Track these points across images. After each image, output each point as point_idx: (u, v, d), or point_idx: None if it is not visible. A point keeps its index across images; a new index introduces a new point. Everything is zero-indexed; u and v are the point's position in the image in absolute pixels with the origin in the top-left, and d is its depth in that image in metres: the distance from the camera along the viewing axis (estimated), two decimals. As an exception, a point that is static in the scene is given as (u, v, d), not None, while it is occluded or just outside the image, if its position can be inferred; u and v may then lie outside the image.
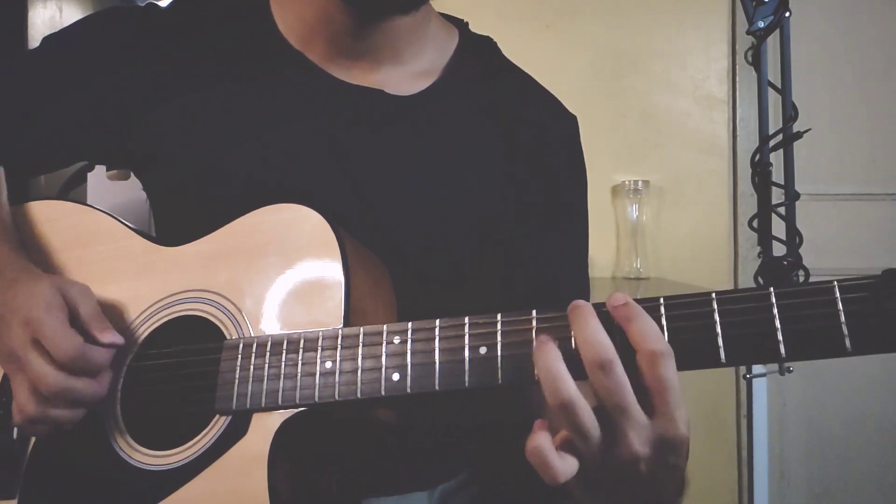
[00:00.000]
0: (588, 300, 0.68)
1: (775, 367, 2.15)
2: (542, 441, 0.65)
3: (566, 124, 1.09)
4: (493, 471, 1.00)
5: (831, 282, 0.62)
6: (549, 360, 0.65)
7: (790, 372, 2.12)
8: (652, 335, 0.64)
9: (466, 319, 0.72)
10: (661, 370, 0.64)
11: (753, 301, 0.64)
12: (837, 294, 0.62)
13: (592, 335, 0.65)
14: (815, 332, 0.62)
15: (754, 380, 2.34)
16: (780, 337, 0.62)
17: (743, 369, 2.41)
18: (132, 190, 1.77)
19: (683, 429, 0.66)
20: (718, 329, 0.64)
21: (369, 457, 0.91)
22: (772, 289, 0.63)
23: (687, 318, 0.65)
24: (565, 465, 0.66)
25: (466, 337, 0.71)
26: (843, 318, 0.61)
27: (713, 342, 0.64)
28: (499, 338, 0.70)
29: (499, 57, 1.10)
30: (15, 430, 0.89)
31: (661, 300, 0.66)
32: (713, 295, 0.65)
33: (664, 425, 0.66)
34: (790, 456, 2.54)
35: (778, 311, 0.63)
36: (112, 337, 0.83)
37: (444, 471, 1.00)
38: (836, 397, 2.53)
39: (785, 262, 2.00)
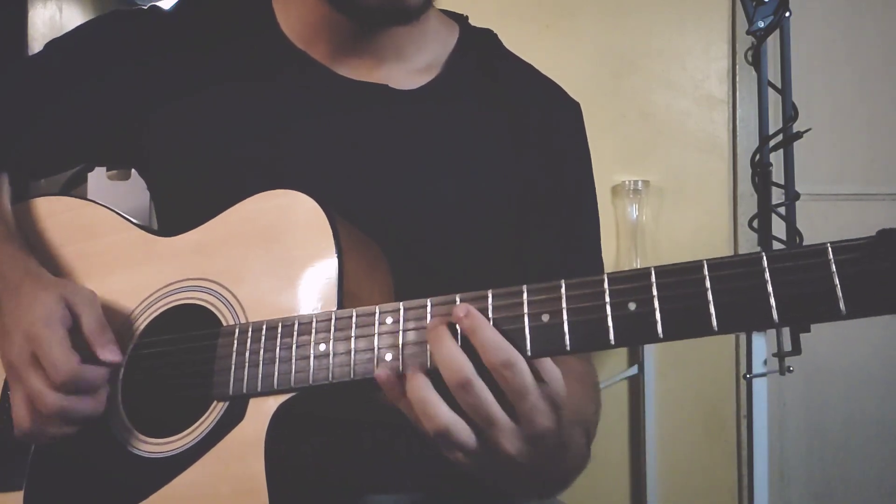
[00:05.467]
0: None
1: (775, 366, 2.15)
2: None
3: (569, 110, 1.10)
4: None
5: (824, 244, 0.61)
6: (421, 393, 0.69)
7: (790, 372, 2.12)
8: (492, 346, 0.67)
9: (457, 297, 0.71)
10: (509, 379, 0.67)
11: (745, 266, 0.63)
12: (831, 256, 0.60)
13: (448, 355, 0.68)
14: (808, 295, 0.60)
15: (754, 380, 2.34)
16: (772, 301, 0.61)
17: (743, 369, 2.41)
18: (132, 190, 1.78)
19: (545, 422, 0.69)
20: (710, 296, 0.63)
21: (368, 451, 0.91)
22: (763, 253, 0.62)
23: (678, 286, 0.65)
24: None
25: None
26: (836, 281, 0.59)
27: (705, 309, 0.63)
28: (490, 314, 0.70)
29: (499, 48, 1.11)
30: None
31: (652, 269, 0.66)
32: (704, 262, 0.65)
33: (526, 426, 0.68)
34: (790, 456, 2.53)
35: (770, 276, 0.62)
36: (112, 355, 0.83)
37: (445, 470, 1.00)
38: (836, 397, 2.53)
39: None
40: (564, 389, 0.70)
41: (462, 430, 0.68)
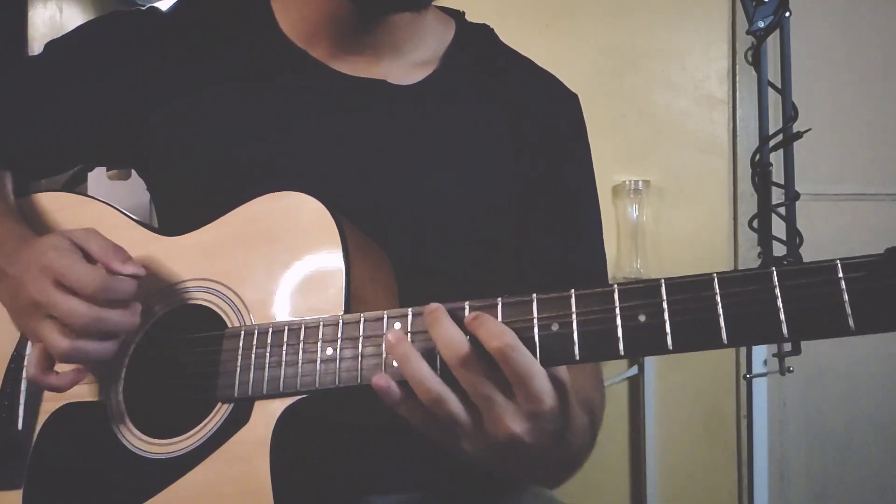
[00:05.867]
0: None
1: (775, 366, 2.15)
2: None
3: (568, 102, 1.10)
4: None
5: (834, 260, 0.61)
6: (410, 361, 0.70)
7: (790, 372, 2.12)
8: (494, 333, 0.68)
9: (466, 304, 0.71)
10: (511, 362, 0.67)
11: (755, 281, 0.63)
12: (840, 273, 0.61)
13: (447, 334, 0.69)
14: (817, 311, 0.61)
15: (754, 380, 2.34)
16: (782, 317, 0.62)
17: (743, 369, 2.41)
18: (132, 190, 1.78)
19: (549, 402, 0.69)
20: (720, 310, 0.64)
21: (373, 451, 0.91)
22: (774, 268, 0.63)
23: (689, 299, 0.65)
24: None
25: None
26: (846, 297, 0.60)
27: (715, 323, 0.64)
28: (499, 321, 0.70)
29: (496, 43, 1.11)
30: (20, 420, 0.89)
31: (663, 281, 0.66)
32: (714, 275, 0.65)
33: (529, 405, 0.69)
34: (790, 456, 2.53)
35: (780, 291, 0.62)
36: (134, 268, 0.82)
37: (449, 471, 1.00)
38: (836, 397, 2.53)
39: (785, 263, 2.00)
40: (566, 370, 0.71)
41: (451, 399, 0.70)
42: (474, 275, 0.96)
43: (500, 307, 0.71)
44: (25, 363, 0.89)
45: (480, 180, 0.99)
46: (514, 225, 1.01)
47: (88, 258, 0.82)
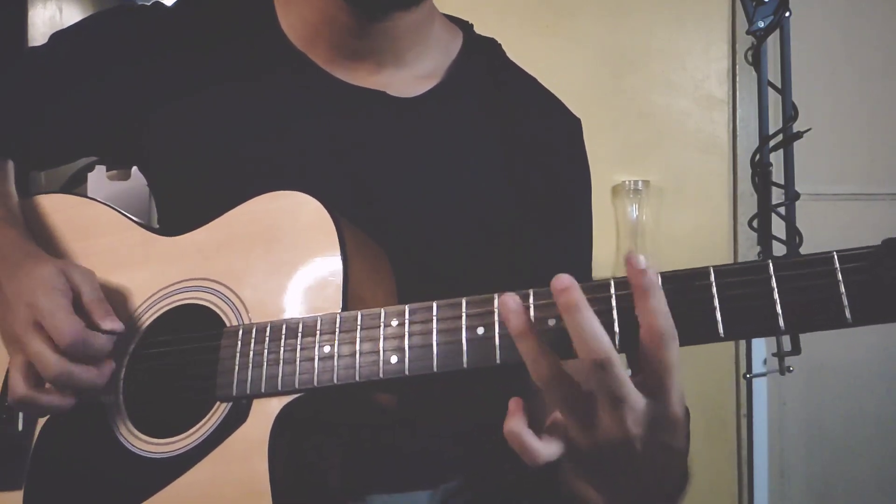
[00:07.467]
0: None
1: (775, 366, 2.15)
2: (516, 424, 0.65)
3: (569, 126, 1.10)
4: (490, 471, 1.00)
5: (830, 252, 0.61)
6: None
7: (790, 371, 2.12)
8: (663, 315, 0.62)
9: (463, 300, 0.71)
10: (666, 353, 0.63)
11: (751, 273, 0.63)
12: (837, 264, 0.61)
13: (591, 329, 0.63)
14: (814, 303, 0.61)
15: (754, 380, 2.34)
16: (778, 309, 0.62)
17: (743, 368, 2.41)
18: (132, 189, 1.78)
19: (679, 408, 0.66)
20: (716, 302, 0.64)
21: (371, 451, 0.91)
22: (770, 261, 0.63)
23: (684, 291, 0.65)
24: (545, 448, 0.66)
25: (464, 318, 0.71)
26: (842, 289, 0.60)
27: (711, 316, 0.64)
28: (496, 318, 0.70)
29: (503, 59, 1.11)
30: (20, 421, 0.90)
31: (658, 275, 0.66)
32: (710, 268, 0.65)
33: (660, 406, 0.65)
34: (790, 456, 2.53)
35: (776, 283, 0.62)
36: (113, 323, 0.83)
37: (448, 470, 1.00)
38: (836, 397, 2.53)
39: (785, 262, 2.00)
40: None
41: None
42: (474, 280, 0.96)
43: (495, 303, 0.70)
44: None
45: (477, 195, 0.99)
46: (511, 236, 1.01)
47: (78, 302, 0.83)
